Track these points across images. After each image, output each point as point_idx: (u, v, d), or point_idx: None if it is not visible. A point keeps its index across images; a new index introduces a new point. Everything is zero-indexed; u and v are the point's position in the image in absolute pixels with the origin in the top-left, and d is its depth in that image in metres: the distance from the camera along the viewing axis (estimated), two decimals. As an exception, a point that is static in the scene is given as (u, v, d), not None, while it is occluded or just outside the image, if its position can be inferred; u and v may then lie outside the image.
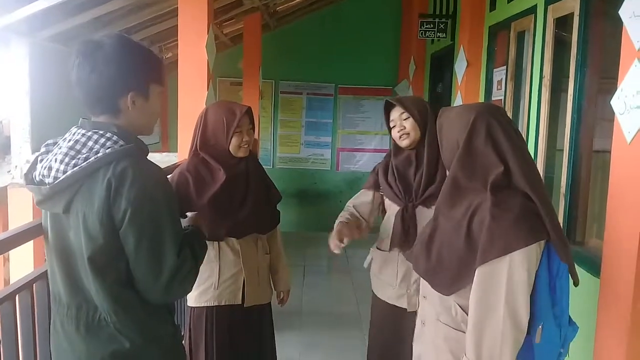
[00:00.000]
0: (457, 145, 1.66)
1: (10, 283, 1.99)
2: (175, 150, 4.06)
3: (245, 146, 2.37)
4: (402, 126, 2.36)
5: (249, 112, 2.39)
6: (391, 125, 2.42)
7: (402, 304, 2.43)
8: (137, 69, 1.49)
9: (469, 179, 1.64)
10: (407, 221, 2.40)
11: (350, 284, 5.49)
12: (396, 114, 2.39)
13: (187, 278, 1.50)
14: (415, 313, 2.34)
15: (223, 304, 2.37)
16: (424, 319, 1.83)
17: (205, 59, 3.63)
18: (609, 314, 2.09)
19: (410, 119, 2.34)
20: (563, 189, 3.13)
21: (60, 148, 1.46)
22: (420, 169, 2.36)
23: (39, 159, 1.50)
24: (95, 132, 1.44)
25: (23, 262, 3.58)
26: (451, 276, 1.65)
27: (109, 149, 1.41)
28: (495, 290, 1.54)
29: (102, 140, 1.43)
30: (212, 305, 2.36)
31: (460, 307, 1.66)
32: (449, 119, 1.73)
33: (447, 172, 1.76)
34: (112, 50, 1.44)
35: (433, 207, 2.28)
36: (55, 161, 1.43)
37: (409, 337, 2.36)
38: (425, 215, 2.34)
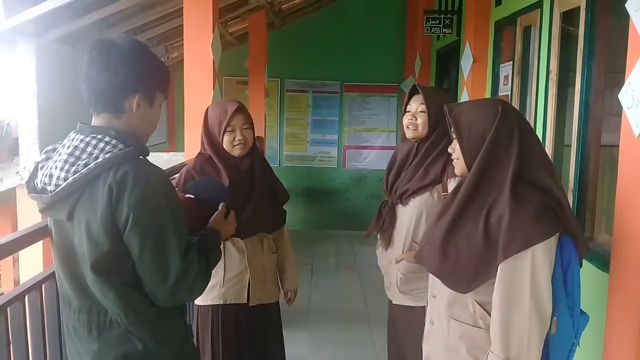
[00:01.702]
0: (483, 137, 1.63)
1: (20, 283, 2.01)
2: (182, 150, 4.07)
3: (239, 145, 2.33)
4: (415, 117, 2.32)
5: (241, 109, 2.34)
6: (407, 109, 2.37)
7: (390, 295, 2.47)
8: (148, 72, 1.50)
9: (491, 171, 1.62)
10: (382, 215, 2.42)
11: (358, 282, 5.49)
12: (416, 102, 2.33)
13: (195, 281, 1.48)
14: (399, 307, 2.40)
15: (228, 302, 2.37)
16: (433, 318, 1.82)
17: (210, 58, 3.63)
18: (619, 309, 2.08)
19: (425, 115, 2.29)
20: (571, 184, 3.12)
21: (59, 155, 1.45)
22: (411, 165, 2.35)
23: (40, 166, 1.50)
24: (94, 137, 1.44)
25: (32, 263, 3.60)
26: (469, 274, 1.63)
27: (109, 154, 1.40)
28: (520, 284, 1.54)
29: (101, 144, 1.42)
30: (218, 303, 2.37)
31: (478, 303, 1.66)
32: (467, 111, 1.70)
33: (457, 166, 1.75)
34: (128, 50, 1.45)
35: (408, 205, 2.32)
36: (56, 168, 1.42)
37: (398, 330, 2.40)
38: (402, 212, 2.36)
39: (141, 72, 1.48)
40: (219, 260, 1.66)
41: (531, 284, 1.53)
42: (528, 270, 1.53)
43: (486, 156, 1.62)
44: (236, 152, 2.34)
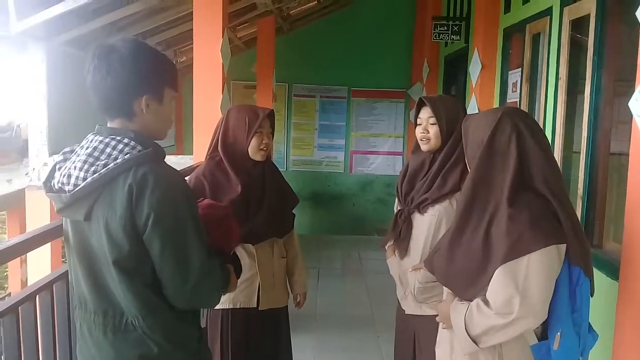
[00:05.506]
0: (481, 144, 1.64)
1: (28, 284, 2.02)
2: (190, 153, 4.09)
3: (264, 149, 2.35)
4: (426, 130, 2.30)
5: (271, 114, 2.39)
6: (418, 122, 2.36)
7: (404, 305, 2.43)
8: (151, 72, 1.50)
9: (489, 178, 1.62)
10: (399, 225, 2.39)
11: (364, 287, 5.48)
12: (425, 114, 2.32)
13: (214, 288, 1.52)
14: (415, 317, 2.35)
15: (238, 307, 2.36)
16: None
17: (220, 62, 3.65)
18: (628, 317, 2.07)
19: (436, 126, 2.28)
20: (580, 192, 3.11)
21: (78, 156, 1.46)
22: (428, 175, 2.33)
23: (57, 166, 1.51)
24: (113, 138, 1.45)
25: (40, 263, 3.62)
26: (469, 280, 1.64)
27: (128, 155, 1.41)
28: (511, 290, 1.53)
29: (120, 146, 1.43)
30: (227, 308, 2.36)
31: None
32: (475, 120, 1.72)
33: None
34: (127, 53, 1.45)
35: (427, 214, 2.28)
36: (75, 169, 1.43)
37: (412, 339, 2.37)
38: (419, 220, 2.32)
39: (144, 73, 1.47)
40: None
41: (522, 291, 1.52)
42: (522, 276, 1.52)
43: (481, 162, 1.63)
44: (259, 156, 2.36)
